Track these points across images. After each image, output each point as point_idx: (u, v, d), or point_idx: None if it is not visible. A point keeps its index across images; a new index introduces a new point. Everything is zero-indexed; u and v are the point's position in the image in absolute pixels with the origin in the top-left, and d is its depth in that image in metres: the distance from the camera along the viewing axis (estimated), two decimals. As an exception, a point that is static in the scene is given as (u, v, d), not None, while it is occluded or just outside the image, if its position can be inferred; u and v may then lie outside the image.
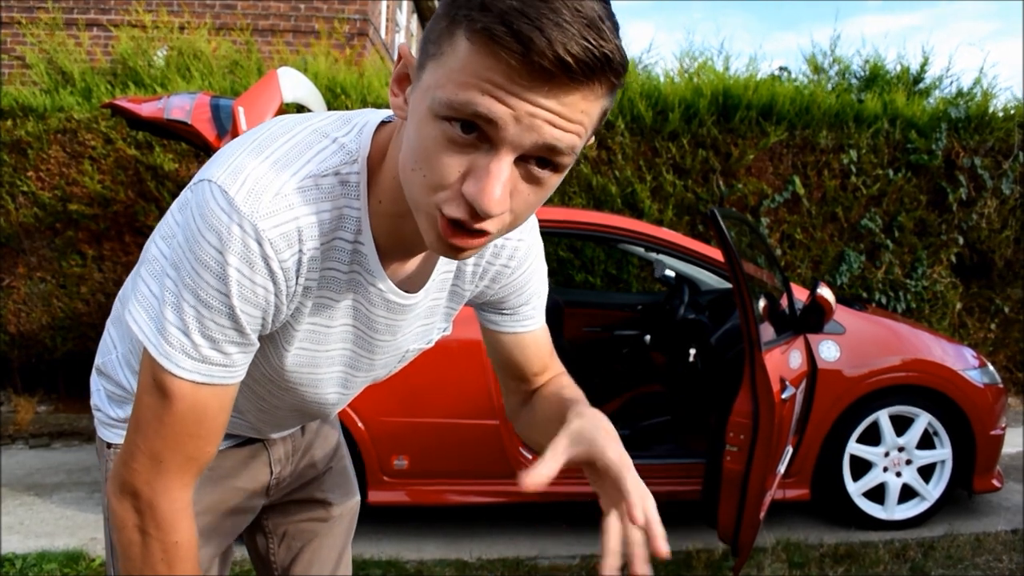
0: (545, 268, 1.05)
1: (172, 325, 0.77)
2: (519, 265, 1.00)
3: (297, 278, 0.80)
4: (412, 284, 0.92)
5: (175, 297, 0.77)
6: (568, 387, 1.03)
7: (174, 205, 0.85)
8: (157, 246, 0.83)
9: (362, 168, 0.80)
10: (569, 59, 0.62)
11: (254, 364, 0.91)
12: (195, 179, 0.80)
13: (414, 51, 0.74)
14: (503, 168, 0.66)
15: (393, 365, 1.04)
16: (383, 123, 0.83)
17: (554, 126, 0.65)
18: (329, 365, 0.95)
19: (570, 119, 0.66)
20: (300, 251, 0.78)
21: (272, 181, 0.76)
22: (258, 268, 0.76)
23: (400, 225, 0.81)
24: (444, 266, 0.94)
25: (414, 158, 0.70)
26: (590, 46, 0.63)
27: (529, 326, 1.05)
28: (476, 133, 0.66)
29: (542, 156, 0.68)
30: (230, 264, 0.75)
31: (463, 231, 0.70)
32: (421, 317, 0.97)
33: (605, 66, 0.64)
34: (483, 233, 0.70)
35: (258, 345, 0.84)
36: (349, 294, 0.87)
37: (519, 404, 1.10)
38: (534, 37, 0.61)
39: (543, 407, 1.02)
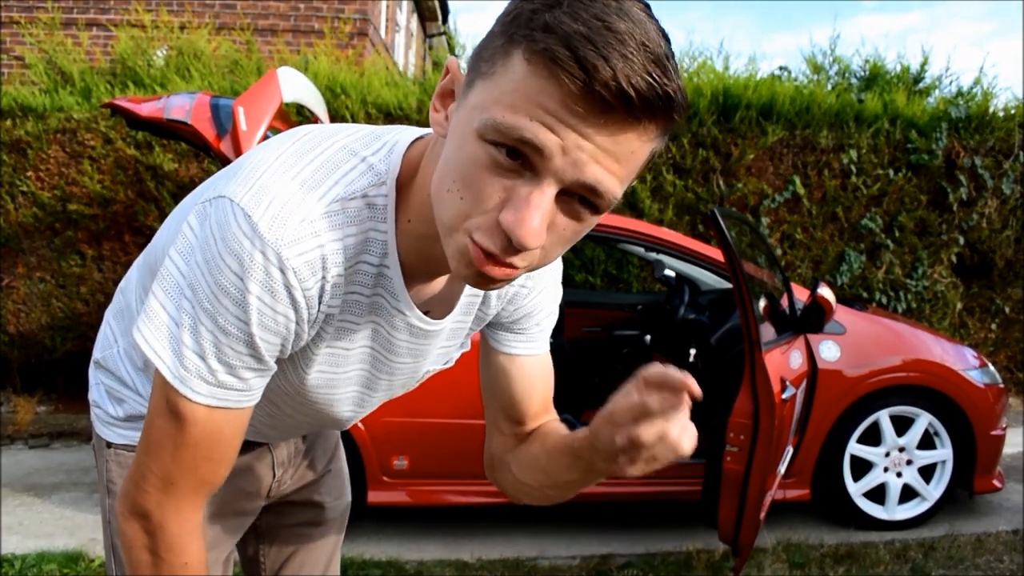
0: (560, 292, 1.02)
1: (188, 349, 0.75)
2: (535, 286, 0.97)
3: (319, 305, 0.78)
4: (437, 306, 0.89)
5: (192, 320, 0.74)
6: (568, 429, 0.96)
7: (192, 217, 0.78)
8: (173, 261, 0.77)
9: (390, 190, 0.77)
10: (632, 93, 0.59)
11: (271, 381, 0.89)
12: (213, 191, 0.77)
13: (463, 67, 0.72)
14: (544, 200, 0.63)
15: (411, 385, 1.03)
16: (415, 140, 0.81)
17: (599, 163, 0.62)
18: (346, 386, 0.94)
19: (618, 158, 0.63)
20: (323, 278, 0.76)
21: (298, 206, 0.73)
22: (280, 297, 0.74)
23: (429, 246, 0.78)
24: (471, 290, 0.92)
25: (452, 179, 0.66)
26: (654, 82, 0.60)
27: (534, 349, 1.01)
28: (521, 160, 0.63)
29: (583, 194, 0.65)
30: (251, 292, 0.72)
31: (494, 260, 0.67)
32: (443, 340, 0.95)
33: (666, 105, 0.61)
34: (514, 266, 0.67)
35: (275, 369, 0.82)
36: (371, 317, 0.85)
37: (507, 449, 1.02)
38: (599, 66, 0.58)
39: (548, 441, 0.95)
